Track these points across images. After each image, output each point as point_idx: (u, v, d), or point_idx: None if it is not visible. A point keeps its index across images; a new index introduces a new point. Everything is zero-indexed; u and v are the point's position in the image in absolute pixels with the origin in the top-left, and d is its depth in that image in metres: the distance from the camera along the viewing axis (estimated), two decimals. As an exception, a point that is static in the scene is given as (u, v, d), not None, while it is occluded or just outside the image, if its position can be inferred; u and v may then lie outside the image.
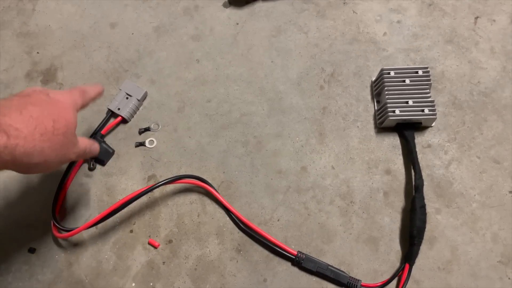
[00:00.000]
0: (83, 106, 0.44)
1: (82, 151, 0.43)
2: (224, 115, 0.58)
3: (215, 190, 0.52)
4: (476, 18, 0.61)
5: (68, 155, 0.40)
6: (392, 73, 0.54)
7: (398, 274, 0.48)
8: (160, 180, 0.50)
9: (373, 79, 0.58)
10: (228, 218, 0.52)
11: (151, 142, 0.57)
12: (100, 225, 0.52)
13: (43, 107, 0.37)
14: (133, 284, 0.50)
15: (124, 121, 0.58)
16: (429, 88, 0.54)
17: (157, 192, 0.54)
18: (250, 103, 0.58)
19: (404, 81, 0.54)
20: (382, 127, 0.55)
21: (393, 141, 0.55)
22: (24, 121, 0.35)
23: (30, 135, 0.35)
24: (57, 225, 0.50)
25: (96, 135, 0.55)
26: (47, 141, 0.36)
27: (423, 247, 0.49)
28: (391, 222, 0.51)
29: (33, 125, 0.35)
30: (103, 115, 0.57)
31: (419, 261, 0.48)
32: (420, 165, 0.52)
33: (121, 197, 0.53)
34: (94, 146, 0.46)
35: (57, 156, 0.38)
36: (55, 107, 0.39)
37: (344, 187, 0.53)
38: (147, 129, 0.57)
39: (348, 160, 0.54)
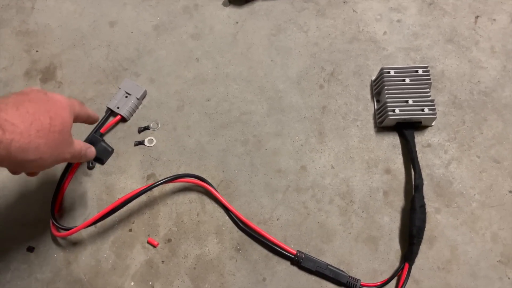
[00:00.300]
0: (79, 115, 0.44)
1: (77, 152, 0.43)
2: (223, 114, 0.57)
3: (215, 189, 0.52)
4: (477, 17, 0.61)
5: (63, 154, 0.40)
6: (392, 72, 0.54)
7: (397, 273, 0.48)
8: (159, 179, 0.50)
9: (373, 78, 0.58)
10: (227, 217, 0.52)
11: (151, 141, 0.57)
12: (99, 224, 0.52)
13: (40, 104, 0.37)
14: (132, 283, 0.49)
15: (123, 119, 0.58)
16: (429, 87, 0.53)
17: (156, 191, 0.54)
18: (249, 102, 0.58)
19: (404, 80, 0.54)
20: (382, 126, 0.55)
21: (393, 140, 0.55)
22: (20, 117, 0.35)
23: (26, 131, 0.35)
24: (56, 224, 0.50)
25: (95, 133, 0.55)
26: (43, 137, 0.36)
27: (423, 247, 0.48)
28: (390, 221, 0.51)
29: (29, 121, 0.35)
30: (102, 114, 0.57)
31: (419, 260, 0.48)
32: (420, 164, 0.52)
33: (120, 196, 0.53)
34: (90, 150, 0.46)
35: (52, 154, 0.38)
36: (53, 105, 0.39)
37: (344, 187, 0.53)
38: (147, 128, 0.57)
39: (347, 160, 0.54)
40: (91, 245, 0.52)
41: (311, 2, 0.63)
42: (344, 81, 0.58)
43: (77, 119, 0.44)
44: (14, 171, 0.39)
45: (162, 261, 0.50)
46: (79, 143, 0.44)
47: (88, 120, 0.47)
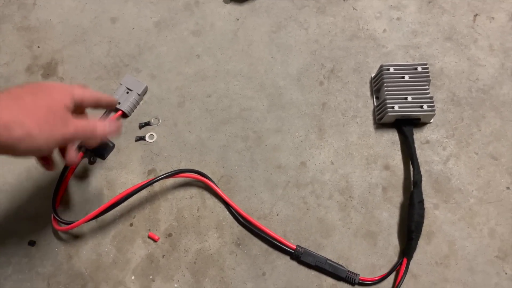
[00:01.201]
0: (84, 97, 0.42)
1: (71, 134, 0.39)
2: (224, 110, 0.58)
3: (215, 184, 0.52)
4: (475, 15, 0.61)
5: (55, 133, 0.38)
6: (391, 70, 0.54)
7: (396, 268, 0.48)
8: (160, 174, 0.50)
9: (373, 75, 0.58)
10: (227, 212, 0.52)
11: (151, 136, 0.57)
12: (100, 219, 0.52)
13: (29, 86, 0.38)
14: (133, 277, 0.50)
15: (124, 115, 0.58)
16: (428, 85, 0.54)
17: (157, 186, 0.54)
18: (250, 98, 0.58)
19: (403, 77, 0.54)
20: (381, 123, 0.55)
21: (392, 137, 0.55)
22: (0, 96, 0.35)
23: (6, 107, 0.35)
24: (57, 218, 0.50)
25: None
26: (28, 113, 0.36)
27: (421, 242, 0.49)
28: (389, 217, 0.51)
29: (10, 98, 0.36)
30: (103, 109, 0.57)
31: (417, 255, 0.49)
32: (419, 160, 0.52)
33: (121, 191, 0.53)
34: (100, 127, 0.42)
35: (41, 132, 0.36)
36: (43, 85, 0.39)
37: (343, 182, 0.53)
38: (147, 124, 0.58)
39: (347, 156, 0.54)
40: (92, 239, 0.52)
41: (311, 0, 0.64)
42: (344, 78, 0.59)
43: (84, 102, 0.42)
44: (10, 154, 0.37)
45: (163, 256, 0.51)
46: (77, 124, 0.40)
47: (102, 104, 0.45)
